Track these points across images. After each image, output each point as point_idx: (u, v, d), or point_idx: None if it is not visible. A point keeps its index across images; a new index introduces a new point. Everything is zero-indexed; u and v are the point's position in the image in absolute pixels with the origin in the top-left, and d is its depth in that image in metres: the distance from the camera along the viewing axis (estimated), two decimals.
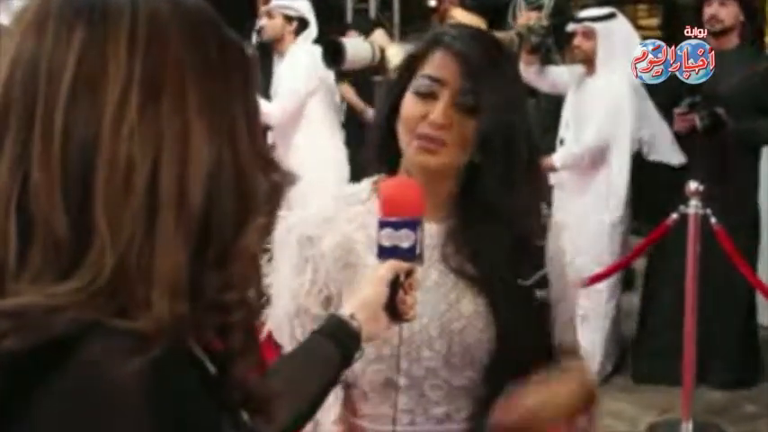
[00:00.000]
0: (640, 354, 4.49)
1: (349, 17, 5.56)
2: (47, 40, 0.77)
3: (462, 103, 1.44)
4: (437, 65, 1.47)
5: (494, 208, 1.45)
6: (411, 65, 1.51)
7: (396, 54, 4.25)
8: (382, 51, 4.31)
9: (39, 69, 0.76)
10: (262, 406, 0.88)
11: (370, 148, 1.58)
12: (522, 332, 1.47)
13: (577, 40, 4.37)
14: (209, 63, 0.81)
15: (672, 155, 4.50)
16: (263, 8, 4.54)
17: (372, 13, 5.56)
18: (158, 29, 0.78)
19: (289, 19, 4.45)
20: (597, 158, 4.34)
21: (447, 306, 1.48)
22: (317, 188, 1.66)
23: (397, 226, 1.34)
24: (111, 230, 0.74)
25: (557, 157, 4.38)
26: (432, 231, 1.47)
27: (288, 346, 1.54)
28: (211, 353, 0.82)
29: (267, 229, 0.85)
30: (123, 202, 0.75)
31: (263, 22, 4.52)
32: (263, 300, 0.86)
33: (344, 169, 4.54)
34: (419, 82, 1.47)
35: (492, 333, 1.48)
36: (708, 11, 4.20)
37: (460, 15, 4.86)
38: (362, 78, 4.78)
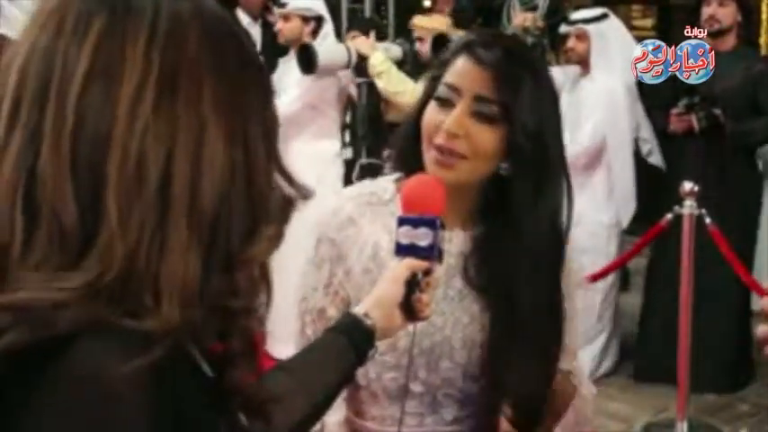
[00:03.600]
0: (641, 354, 4.49)
1: (344, 17, 5.54)
2: (66, 28, 0.77)
3: (479, 112, 1.40)
4: (457, 72, 1.43)
5: (519, 221, 1.41)
6: (438, 71, 1.48)
7: (381, 61, 4.25)
8: (362, 56, 4.27)
9: (55, 57, 0.76)
10: (259, 409, 0.88)
11: (395, 150, 1.55)
12: (531, 348, 1.44)
13: (571, 43, 4.37)
14: (226, 67, 0.81)
15: (658, 158, 4.54)
16: (277, 11, 4.47)
17: (367, 13, 5.54)
18: (179, 27, 0.79)
19: (305, 19, 4.40)
20: (593, 159, 4.34)
21: (470, 318, 1.47)
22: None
23: (415, 223, 1.32)
24: (121, 220, 0.74)
25: None
26: (458, 239, 1.46)
27: (293, 339, 1.53)
28: (210, 356, 0.81)
29: (277, 240, 0.84)
30: (136, 193, 0.75)
31: (278, 25, 4.47)
32: (269, 308, 0.86)
33: (340, 173, 4.52)
34: (440, 89, 1.44)
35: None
36: (706, 11, 4.19)
37: (421, 21, 4.85)
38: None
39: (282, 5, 4.43)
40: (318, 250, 1.52)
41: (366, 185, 1.59)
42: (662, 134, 4.43)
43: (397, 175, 1.54)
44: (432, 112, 1.44)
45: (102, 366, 0.71)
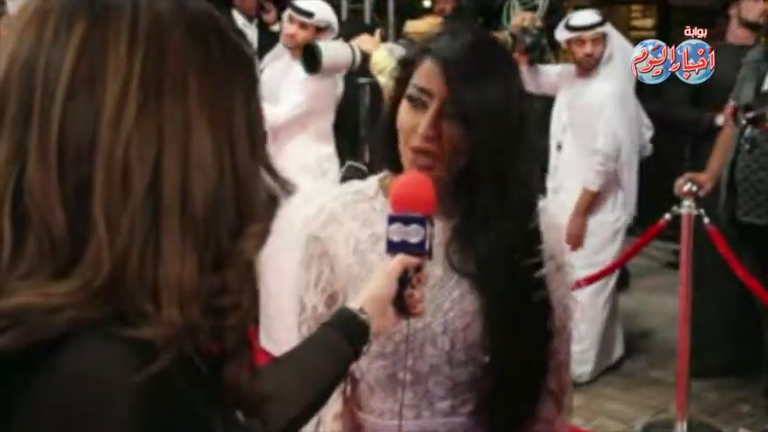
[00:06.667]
0: None
1: (344, 18, 5.52)
2: (46, 35, 0.76)
3: (451, 114, 1.42)
4: (424, 74, 1.45)
5: (492, 210, 1.45)
6: (406, 70, 1.50)
7: (384, 57, 4.24)
8: (365, 54, 4.25)
9: (37, 64, 0.76)
10: (256, 406, 0.88)
11: (375, 148, 1.58)
12: (520, 333, 1.47)
13: (588, 48, 4.30)
14: (210, 64, 0.80)
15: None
16: (296, 17, 4.40)
17: (368, 13, 5.54)
18: (159, 27, 0.78)
19: (318, 29, 4.37)
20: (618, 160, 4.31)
21: (450, 304, 1.49)
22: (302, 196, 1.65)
23: (406, 221, 1.34)
24: (109, 229, 0.73)
25: (588, 183, 4.30)
26: (437, 228, 1.47)
27: (289, 336, 1.54)
28: (204, 354, 0.81)
29: (263, 236, 0.84)
30: (122, 200, 0.74)
31: (291, 30, 4.41)
32: (256, 304, 0.86)
33: (337, 175, 4.50)
34: (410, 90, 1.46)
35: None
36: (758, 6, 4.08)
37: (413, 26, 4.85)
38: (349, 80, 4.75)
39: (309, 15, 4.37)
40: (306, 250, 1.55)
41: (352, 184, 1.62)
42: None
43: (382, 173, 1.57)
44: (406, 114, 1.46)
45: (96, 367, 0.71)
